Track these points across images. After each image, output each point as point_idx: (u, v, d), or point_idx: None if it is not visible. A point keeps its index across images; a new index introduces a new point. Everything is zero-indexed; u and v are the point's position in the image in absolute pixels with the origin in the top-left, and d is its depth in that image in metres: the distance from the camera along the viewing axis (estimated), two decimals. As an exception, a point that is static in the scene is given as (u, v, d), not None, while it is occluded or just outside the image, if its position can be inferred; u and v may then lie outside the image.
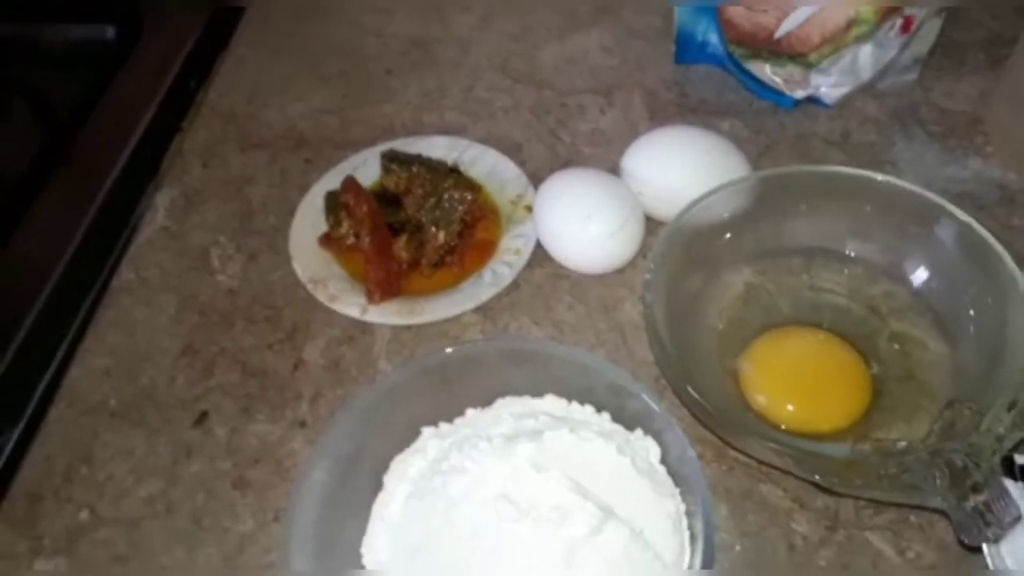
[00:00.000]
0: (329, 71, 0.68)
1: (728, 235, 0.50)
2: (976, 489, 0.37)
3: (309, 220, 0.56)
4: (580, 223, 0.51)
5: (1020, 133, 0.56)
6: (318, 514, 0.39)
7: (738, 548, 0.42)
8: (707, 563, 0.35)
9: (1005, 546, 0.40)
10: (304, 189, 0.58)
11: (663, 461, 0.41)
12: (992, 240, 0.45)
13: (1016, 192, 0.56)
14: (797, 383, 0.47)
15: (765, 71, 0.61)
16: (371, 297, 0.51)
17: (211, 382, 0.50)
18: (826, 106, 0.61)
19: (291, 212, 0.57)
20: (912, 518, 0.43)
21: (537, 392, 0.44)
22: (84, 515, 0.45)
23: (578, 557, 0.36)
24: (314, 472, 0.39)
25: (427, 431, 0.44)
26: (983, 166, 0.58)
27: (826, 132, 0.61)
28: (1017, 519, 0.37)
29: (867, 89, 0.62)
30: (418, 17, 0.72)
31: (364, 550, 0.40)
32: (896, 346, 0.48)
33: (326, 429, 0.41)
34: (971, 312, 0.46)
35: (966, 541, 0.40)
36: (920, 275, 0.48)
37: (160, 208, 0.59)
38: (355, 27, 0.72)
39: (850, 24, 0.56)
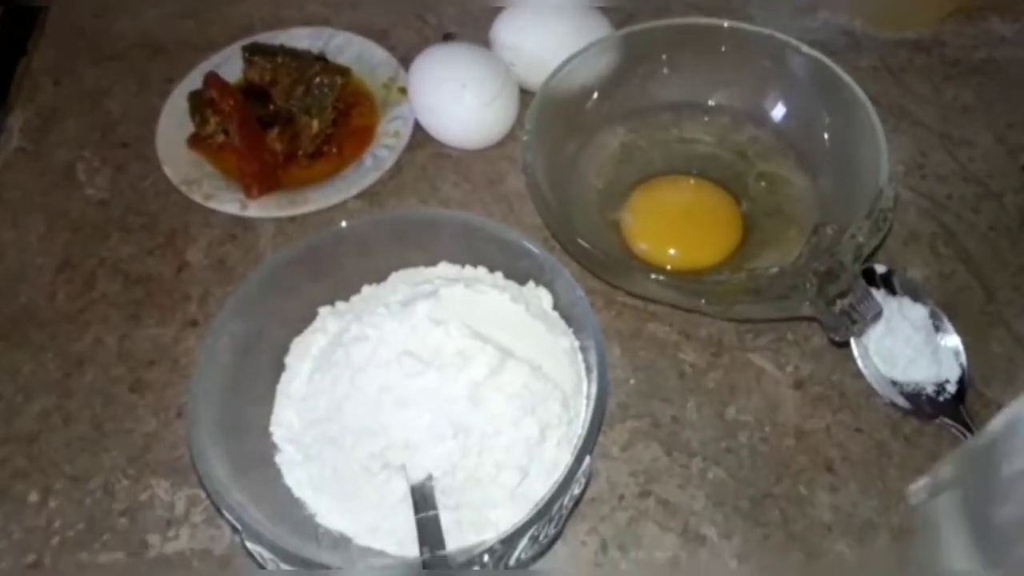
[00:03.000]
0: (177, -25, 0.65)
1: (596, 96, 0.51)
2: (842, 294, 0.40)
3: (175, 123, 0.54)
4: (455, 96, 0.51)
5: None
6: (221, 399, 0.39)
7: (632, 381, 0.45)
8: (602, 390, 0.37)
9: (871, 344, 0.44)
10: (165, 94, 0.56)
11: (555, 307, 0.42)
12: (839, 69, 0.48)
13: (861, 37, 0.59)
14: (674, 227, 0.49)
15: (622, -63, 0.62)
16: (248, 192, 0.50)
17: (94, 294, 0.49)
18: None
19: (154, 118, 0.54)
20: (789, 335, 0.46)
21: (430, 262, 0.45)
22: (-26, 439, 0.44)
23: (482, 395, 0.37)
24: (211, 359, 0.39)
25: (324, 310, 0.44)
26: (831, 15, 0.60)
27: (685, -7, 0.62)
28: (878, 314, 0.41)
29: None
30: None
31: (273, 428, 0.41)
32: (763, 184, 0.50)
33: (217, 318, 0.40)
34: (826, 143, 0.49)
35: (836, 339, 0.43)
36: (779, 112, 0.51)
37: (14, 130, 0.56)
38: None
39: None
